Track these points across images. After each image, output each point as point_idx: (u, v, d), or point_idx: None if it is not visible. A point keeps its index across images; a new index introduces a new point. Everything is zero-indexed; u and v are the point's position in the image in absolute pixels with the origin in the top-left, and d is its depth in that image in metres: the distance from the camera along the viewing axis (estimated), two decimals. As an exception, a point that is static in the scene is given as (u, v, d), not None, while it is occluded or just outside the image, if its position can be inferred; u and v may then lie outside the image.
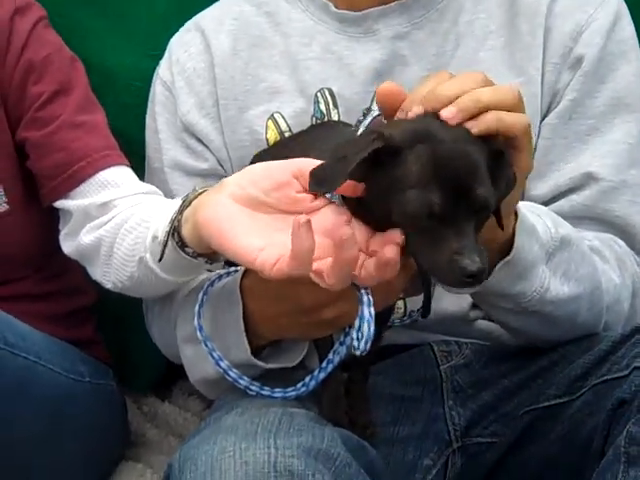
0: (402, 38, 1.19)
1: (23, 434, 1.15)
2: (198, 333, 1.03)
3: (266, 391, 1.03)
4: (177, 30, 1.29)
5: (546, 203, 1.18)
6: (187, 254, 1.01)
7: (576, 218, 1.17)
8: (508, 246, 1.01)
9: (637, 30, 1.24)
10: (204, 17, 1.27)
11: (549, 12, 1.19)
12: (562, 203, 1.18)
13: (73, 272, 1.33)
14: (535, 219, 1.04)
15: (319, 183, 0.89)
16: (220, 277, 1.07)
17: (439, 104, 0.89)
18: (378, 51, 1.19)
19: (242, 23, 1.24)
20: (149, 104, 1.29)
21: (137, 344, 1.46)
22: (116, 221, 1.17)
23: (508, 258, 1.01)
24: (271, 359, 1.07)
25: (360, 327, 0.90)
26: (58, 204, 1.24)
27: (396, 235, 0.88)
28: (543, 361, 1.14)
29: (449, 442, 1.16)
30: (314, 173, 0.89)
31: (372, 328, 0.90)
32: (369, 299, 0.90)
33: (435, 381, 1.19)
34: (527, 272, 1.03)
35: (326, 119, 1.19)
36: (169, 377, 1.54)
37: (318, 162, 0.91)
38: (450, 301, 1.19)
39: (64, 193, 1.22)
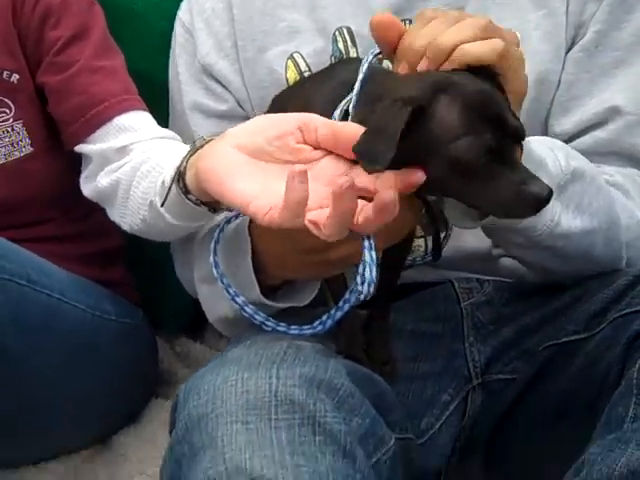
0: None
1: (47, 369, 1.18)
2: (214, 270, 1.03)
3: (282, 327, 1.02)
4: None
5: (570, 139, 1.15)
6: (190, 201, 1.01)
7: (600, 154, 1.14)
8: None
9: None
10: None
11: None
12: (586, 139, 1.15)
13: (99, 214, 1.34)
14: (545, 152, 1.02)
15: (373, 161, 0.87)
16: (237, 216, 1.07)
17: (441, 60, 0.89)
18: None
19: None
20: (171, 46, 1.29)
21: (169, 286, 1.46)
22: (132, 164, 1.18)
23: None
24: (284, 299, 1.07)
25: (363, 271, 0.90)
26: (77, 148, 1.25)
27: (418, 173, 0.88)
28: (565, 297, 1.12)
29: (469, 378, 1.15)
30: (360, 151, 0.88)
31: (374, 271, 0.90)
32: (370, 243, 0.90)
33: (456, 318, 1.18)
34: None
35: (344, 58, 1.17)
36: (202, 318, 1.55)
37: (321, 118, 0.91)
38: (472, 238, 1.17)
39: (83, 137, 1.24)
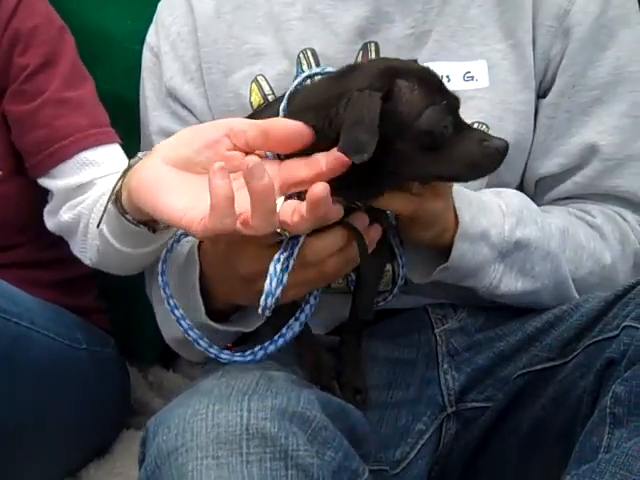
0: None
1: (16, 400, 1.16)
2: (161, 291, 1.01)
3: (225, 355, 1.01)
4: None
5: (553, 183, 1.18)
6: (128, 221, 1.01)
7: (583, 196, 1.17)
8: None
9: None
10: None
11: None
12: (567, 183, 1.17)
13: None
14: (492, 221, 1.06)
15: (359, 151, 0.88)
16: (187, 235, 1.05)
17: None
18: (361, 8, 1.16)
19: None
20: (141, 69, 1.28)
21: (141, 314, 1.45)
22: (93, 197, 1.18)
23: (445, 265, 1.06)
24: (233, 323, 1.07)
25: (300, 310, 0.97)
26: (40, 181, 1.24)
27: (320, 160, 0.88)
28: (538, 322, 1.12)
29: (443, 407, 1.15)
30: (344, 146, 0.88)
31: (274, 284, 0.91)
32: (279, 257, 0.92)
33: (430, 344, 1.17)
34: (475, 272, 1.08)
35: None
36: (174, 346, 1.54)
37: (248, 120, 0.92)
38: None
39: (45, 171, 1.23)
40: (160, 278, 1.01)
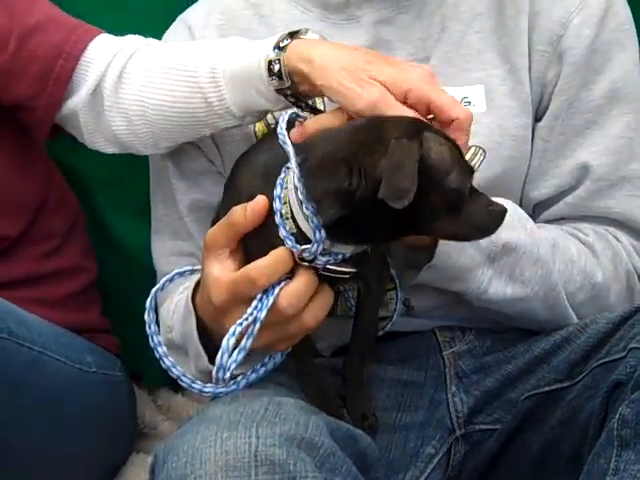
0: (386, 23, 1.16)
1: (27, 425, 1.16)
2: (147, 327, 1.06)
3: (198, 385, 1.04)
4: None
5: (546, 205, 1.18)
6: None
7: (575, 218, 1.17)
8: None
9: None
10: (192, 12, 1.26)
11: None
12: (560, 205, 1.17)
13: (68, 250, 1.33)
14: None
15: (401, 197, 0.89)
16: (182, 273, 1.10)
17: None
18: (362, 37, 1.16)
19: (229, 17, 1.22)
20: None
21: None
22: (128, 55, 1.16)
23: (431, 263, 1.08)
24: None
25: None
26: (61, 114, 1.19)
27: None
28: (546, 344, 1.12)
29: (452, 430, 1.15)
30: (386, 195, 0.90)
31: (224, 359, 0.96)
32: (234, 330, 0.96)
33: (438, 367, 1.18)
34: (462, 274, 1.09)
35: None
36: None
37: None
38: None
39: (59, 101, 1.18)
40: (147, 314, 1.04)
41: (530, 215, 1.17)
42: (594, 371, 1.03)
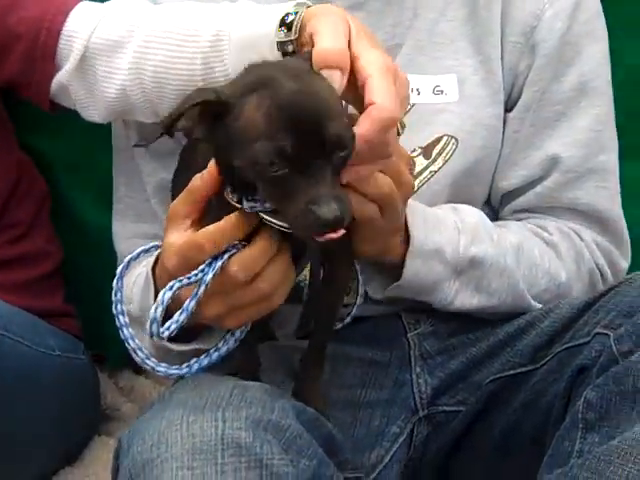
0: (358, 8, 1.15)
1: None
2: (113, 297, 1.03)
3: (151, 363, 1.01)
4: None
5: (514, 196, 1.19)
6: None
7: (543, 209, 1.19)
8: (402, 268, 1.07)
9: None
10: None
11: None
12: (529, 195, 1.18)
13: (32, 236, 1.32)
14: (447, 238, 1.08)
15: (160, 123, 0.89)
16: (148, 250, 1.06)
17: None
18: None
19: None
20: None
21: (111, 318, 1.44)
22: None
23: (398, 283, 1.08)
24: (198, 341, 1.05)
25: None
26: (56, 84, 1.16)
27: None
28: (510, 328, 1.13)
29: (415, 410, 1.15)
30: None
31: (159, 311, 0.94)
32: (173, 285, 0.94)
33: (403, 347, 1.18)
34: (429, 289, 1.10)
35: None
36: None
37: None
38: None
39: (51, 74, 1.15)
40: (114, 294, 1.02)
41: (497, 206, 1.18)
42: (558, 355, 1.04)
